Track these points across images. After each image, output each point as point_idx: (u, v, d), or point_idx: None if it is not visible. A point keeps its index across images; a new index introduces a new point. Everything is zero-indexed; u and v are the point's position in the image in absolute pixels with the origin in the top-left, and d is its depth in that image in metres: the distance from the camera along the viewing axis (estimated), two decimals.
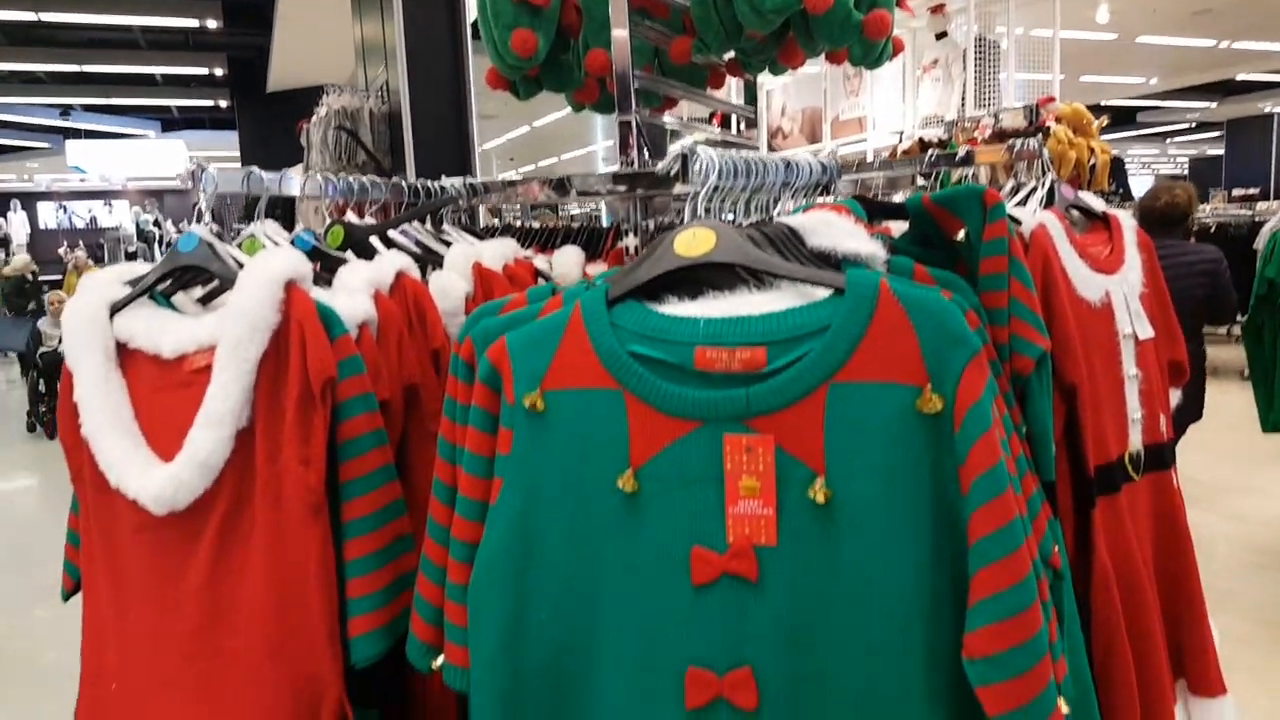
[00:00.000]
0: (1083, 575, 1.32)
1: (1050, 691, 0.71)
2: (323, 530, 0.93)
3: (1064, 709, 0.74)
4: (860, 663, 0.73)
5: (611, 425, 0.78)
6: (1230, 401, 4.90)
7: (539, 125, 11.90)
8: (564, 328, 0.80)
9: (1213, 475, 4.23)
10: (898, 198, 1.43)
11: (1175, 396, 1.60)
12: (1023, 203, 1.35)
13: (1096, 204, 1.53)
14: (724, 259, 0.79)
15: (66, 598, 1.13)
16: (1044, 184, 1.47)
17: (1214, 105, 14.61)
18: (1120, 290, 1.42)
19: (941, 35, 5.00)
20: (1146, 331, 1.45)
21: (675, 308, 0.80)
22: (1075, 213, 1.48)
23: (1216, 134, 15.13)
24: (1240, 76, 12.63)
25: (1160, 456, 1.47)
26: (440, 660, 0.87)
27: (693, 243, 0.80)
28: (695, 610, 0.77)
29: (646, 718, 0.78)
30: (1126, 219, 1.52)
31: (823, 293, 0.77)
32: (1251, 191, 12.21)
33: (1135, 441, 1.41)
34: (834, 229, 0.83)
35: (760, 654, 0.75)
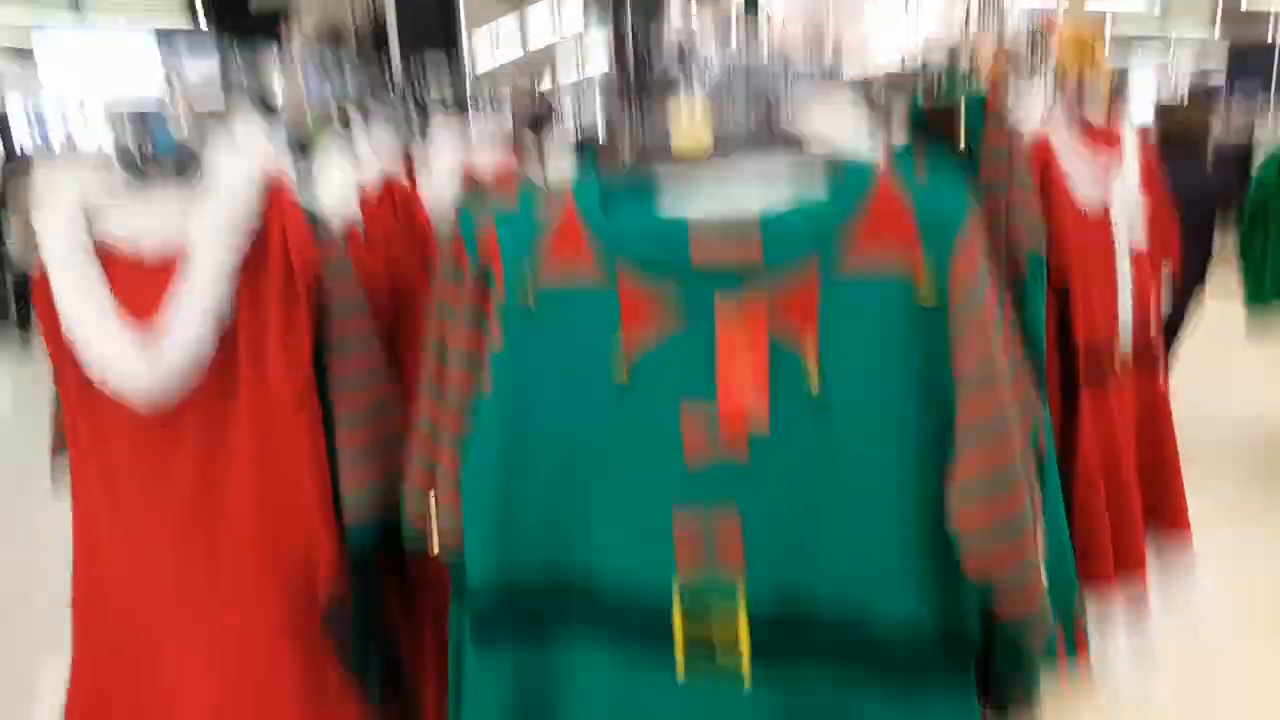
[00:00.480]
0: (1067, 468, 1.35)
1: (1032, 564, 0.74)
2: (310, 419, 0.93)
3: (1042, 580, 0.76)
4: (846, 542, 0.75)
5: (604, 321, 0.77)
6: (1212, 309, 4.89)
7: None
8: (557, 223, 0.79)
9: (1195, 385, 4.29)
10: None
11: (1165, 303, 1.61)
12: (1025, 113, 1.32)
13: (1097, 117, 1.50)
14: (721, 153, 0.77)
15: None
16: (1047, 96, 1.45)
17: (1215, 36, 14.38)
18: (1119, 198, 1.41)
19: None
20: (1142, 240, 1.45)
21: (670, 200, 0.78)
22: (1075, 125, 1.45)
23: (1214, 66, 14.90)
24: (1244, 6, 12.37)
25: (1149, 356, 1.49)
26: (435, 546, 0.88)
27: (690, 135, 0.77)
28: (689, 496, 0.77)
29: (638, 552, 0.80)
30: (1128, 130, 1.50)
31: (821, 184, 0.76)
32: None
33: (1125, 341, 1.42)
34: (836, 123, 0.81)
35: (752, 533, 0.77)
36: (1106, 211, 1.41)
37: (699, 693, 0.79)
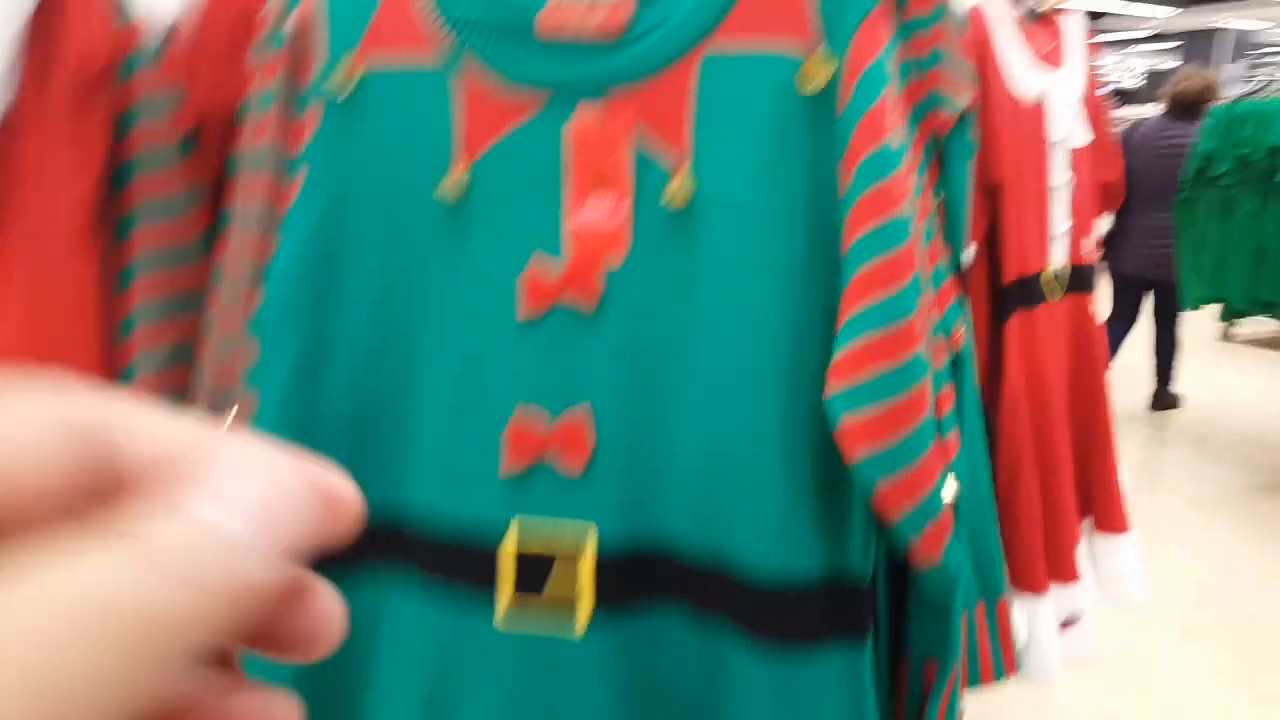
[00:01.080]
0: (992, 394, 1.25)
1: (925, 431, 0.59)
2: (93, 266, 0.77)
3: (953, 483, 0.63)
4: (708, 409, 0.61)
5: (434, 114, 0.64)
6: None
7: None
8: None
9: (1127, 367, 4.31)
10: None
11: (1105, 223, 1.51)
12: None
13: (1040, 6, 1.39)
14: None
15: None
16: None
17: (1175, 13, 14.52)
18: (1058, 92, 1.31)
19: None
20: (1082, 138, 1.34)
21: None
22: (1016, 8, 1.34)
23: (1175, 44, 15.07)
24: None
25: (1083, 278, 1.38)
26: (233, 411, 0.74)
27: None
28: (521, 349, 0.63)
29: (461, 483, 0.65)
30: (1074, 20, 1.39)
31: None
32: None
33: (1059, 257, 1.32)
34: None
35: (598, 398, 0.63)
36: (1042, 108, 1.31)
37: (523, 645, 0.64)
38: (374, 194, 0.65)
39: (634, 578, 0.63)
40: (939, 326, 0.69)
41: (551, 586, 0.62)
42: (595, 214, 0.63)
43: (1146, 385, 3.73)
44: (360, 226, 0.66)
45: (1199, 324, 4.48)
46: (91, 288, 0.77)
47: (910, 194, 0.60)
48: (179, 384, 0.80)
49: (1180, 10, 14.28)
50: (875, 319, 0.56)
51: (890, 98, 0.59)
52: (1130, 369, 4.24)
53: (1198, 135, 3.19)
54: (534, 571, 0.63)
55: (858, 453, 0.56)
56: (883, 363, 0.56)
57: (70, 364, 0.78)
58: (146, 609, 0.13)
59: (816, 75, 0.58)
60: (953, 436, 0.66)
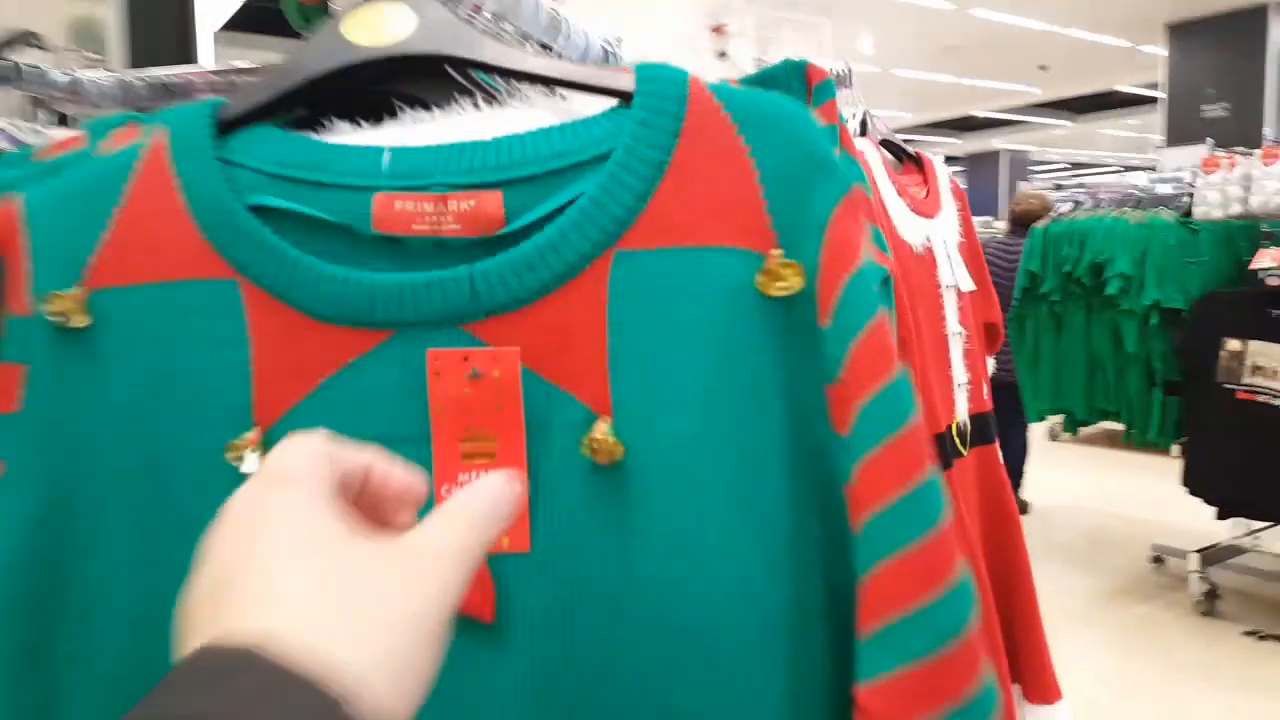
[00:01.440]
0: None
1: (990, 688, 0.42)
2: None
3: None
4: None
5: (220, 346, 0.43)
6: None
7: None
8: (131, 173, 0.44)
9: None
10: None
11: (990, 365, 1.45)
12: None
13: (906, 147, 1.34)
14: (430, 48, 0.46)
15: None
16: (856, 115, 1.26)
17: (958, 141, 16.16)
18: (940, 237, 1.23)
19: (722, 55, 5.15)
20: (968, 284, 1.27)
21: (342, 135, 0.46)
22: (887, 152, 1.27)
23: (961, 168, 16.66)
24: (977, 113, 13.90)
25: (985, 428, 1.29)
26: None
27: (374, 23, 0.46)
28: None
29: None
30: (939, 163, 1.34)
31: (599, 104, 0.46)
32: (988, 219, 13.64)
33: (962, 410, 1.22)
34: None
35: None
36: (929, 248, 1.22)
37: None
38: (125, 462, 0.43)
39: None
40: None
41: None
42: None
43: None
44: (106, 515, 0.44)
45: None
46: None
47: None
48: None
49: (962, 137, 15.97)
50: (929, 632, 0.39)
51: (885, 312, 0.43)
52: None
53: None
54: None
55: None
56: (949, 697, 0.39)
57: None
58: (469, 548, 0.29)
59: (786, 274, 0.42)
60: None
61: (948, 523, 0.42)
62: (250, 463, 0.42)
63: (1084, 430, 5.12)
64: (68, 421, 0.43)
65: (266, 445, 0.42)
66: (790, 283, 0.43)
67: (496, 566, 0.43)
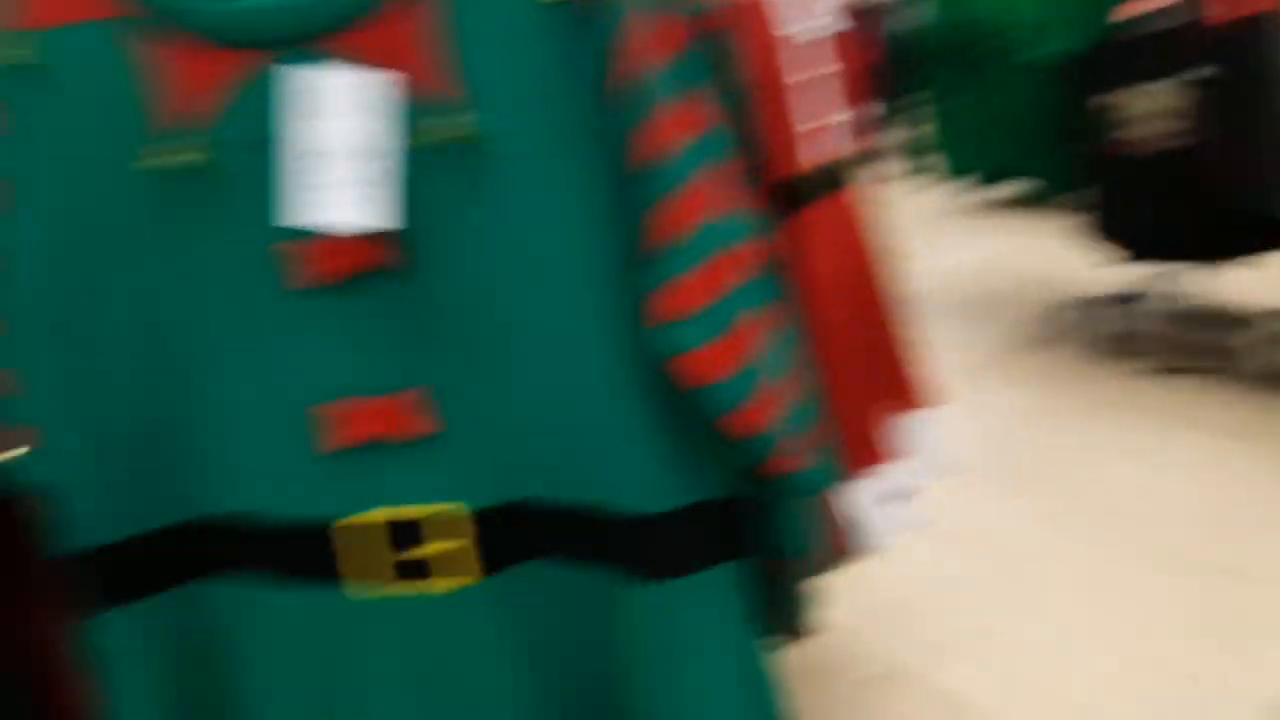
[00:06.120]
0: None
1: (766, 357, 0.57)
2: None
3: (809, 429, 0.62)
4: (537, 357, 0.56)
5: (119, 75, 0.53)
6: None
7: None
8: None
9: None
10: None
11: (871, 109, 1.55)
12: None
13: None
14: None
15: None
16: None
17: None
18: None
19: None
20: (840, 23, 1.35)
21: None
22: None
23: None
24: None
25: (851, 170, 1.41)
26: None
27: None
28: (315, 325, 0.56)
29: (276, 474, 0.58)
30: None
31: None
32: None
33: (828, 151, 1.33)
34: None
35: (416, 364, 0.57)
36: None
37: (403, 609, 0.61)
38: (82, 176, 0.55)
39: (504, 536, 0.59)
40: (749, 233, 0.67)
41: (424, 551, 0.59)
42: None
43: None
44: (77, 218, 0.55)
45: (919, 195, 4.81)
46: None
47: (694, 114, 0.56)
48: None
49: None
50: (702, 246, 0.52)
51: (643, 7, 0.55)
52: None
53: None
54: (405, 538, 0.59)
55: (698, 383, 0.53)
56: (722, 289, 0.53)
57: None
58: None
59: None
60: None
61: (710, 166, 0.54)
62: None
63: (966, 201, 5.27)
64: (43, 140, 0.54)
65: (189, 146, 0.53)
66: None
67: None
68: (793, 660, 1.68)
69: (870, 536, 1.29)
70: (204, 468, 0.59)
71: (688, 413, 0.58)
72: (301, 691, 0.62)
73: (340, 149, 0.51)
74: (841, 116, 1.34)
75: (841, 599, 1.85)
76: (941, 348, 3.18)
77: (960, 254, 4.33)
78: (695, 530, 0.59)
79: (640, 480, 0.57)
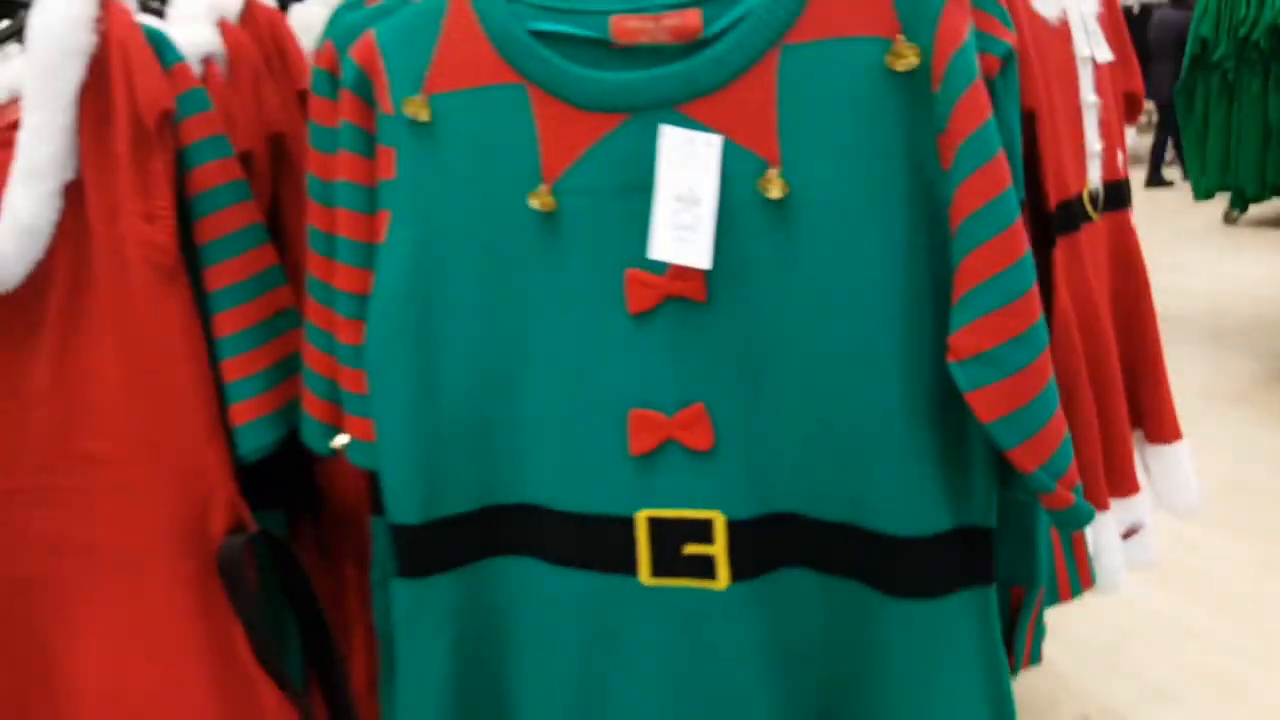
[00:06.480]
0: (1045, 321, 1.24)
1: (1052, 389, 0.61)
2: (182, 300, 0.78)
3: (1063, 417, 0.64)
4: (826, 384, 0.62)
5: (516, 130, 0.64)
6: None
7: None
8: (444, 11, 0.64)
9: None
10: None
11: (1130, 135, 1.51)
12: None
13: None
14: None
15: None
16: None
17: None
18: (1077, 8, 1.29)
19: None
20: (1105, 55, 1.33)
21: None
22: None
23: None
24: None
25: (1119, 194, 1.38)
26: (342, 439, 0.75)
27: None
28: (635, 343, 0.65)
29: (587, 470, 0.67)
30: None
31: None
32: None
33: (1095, 177, 1.31)
34: None
35: (712, 387, 0.65)
36: (1065, 24, 1.29)
37: (671, 604, 0.68)
38: (463, 212, 0.66)
39: (767, 543, 0.65)
40: None
41: (689, 550, 0.66)
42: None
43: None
44: (453, 245, 0.67)
45: (1201, 210, 4.46)
46: (187, 322, 0.78)
47: (1002, 169, 0.60)
48: (281, 402, 0.81)
49: None
50: (998, 293, 0.57)
51: (981, 78, 0.59)
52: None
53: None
54: (670, 541, 0.66)
55: (992, 417, 0.58)
56: (1010, 334, 0.57)
57: (167, 392, 0.79)
58: None
59: (908, 54, 0.58)
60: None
61: (1017, 222, 0.59)
62: (539, 201, 0.63)
63: (1261, 214, 4.85)
64: (423, 184, 0.66)
65: (554, 194, 0.63)
66: (910, 60, 0.59)
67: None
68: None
69: (1108, 572, 1.27)
70: (521, 461, 0.69)
71: (963, 438, 0.63)
72: (565, 670, 0.70)
73: (680, 196, 0.60)
74: (1113, 141, 1.33)
75: (1056, 635, 1.81)
76: (1193, 375, 2.98)
77: (1234, 271, 4.02)
78: (955, 553, 0.63)
79: (907, 504, 0.62)
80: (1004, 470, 0.64)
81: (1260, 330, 3.39)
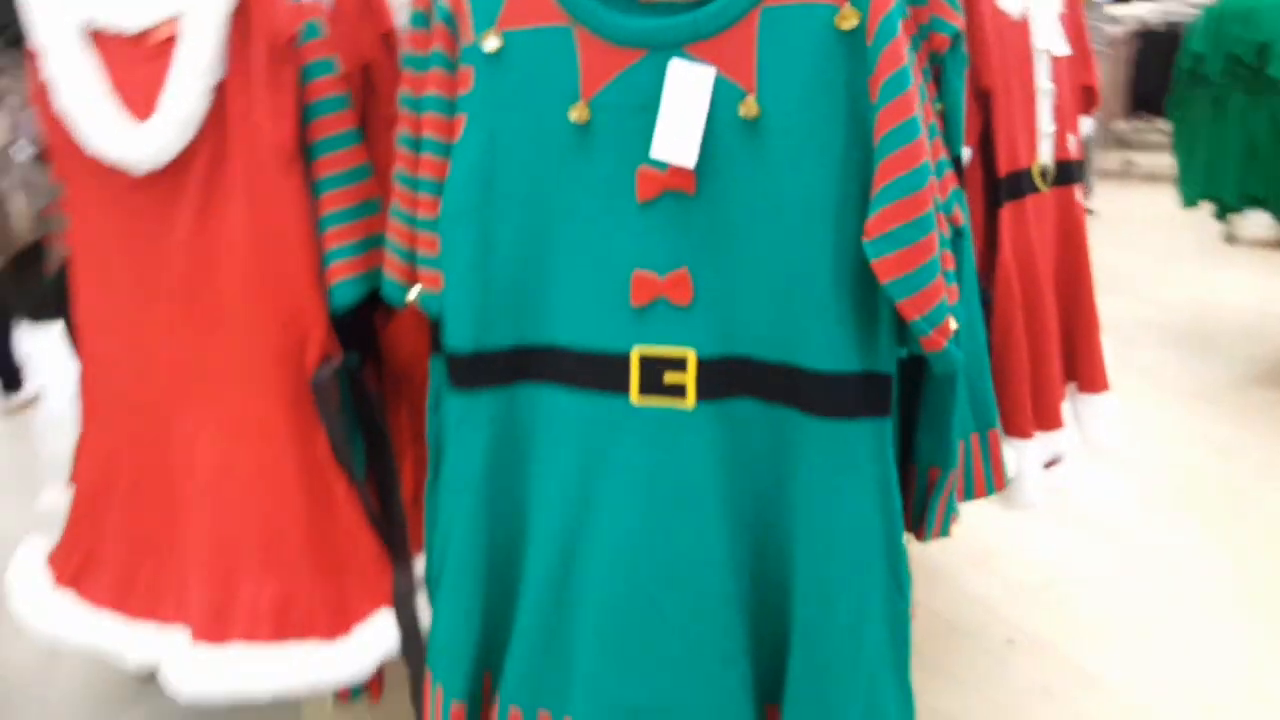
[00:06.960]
0: (987, 271, 1.48)
1: (935, 262, 0.83)
2: (297, 181, 1.01)
3: (953, 321, 0.87)
4: (779, 258, 0.85)
5: (563, 60, 0.87)
6: (1160, 200, 5.06)
7: None
8: None
9: (1132, 267, 4.47)
10: None
11: (1086, 124, 1.72)
12: None
13: None
14: None
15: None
16: None
17: None
18: (1040, 6, 1.50)
19: None
20: (1062, 49, 1.55)
21: None
22: None
23: None
24: None
25: (1068, 172, 1.60)
26: (415, 291, 0.98)
27: None
28: (640, 223, 0.88)
29: (598, 316, 0.90)
30: None
31: None
32: None
33: (1045, 155, 1.53)
34: None
35: (696, 257, 0.87)
36: (1027, 22, 1.50)
37: (651, 418, 0.90)
38: (520, 121, 0.89)
39: (725, 376, 0.88)
40: (942, 206, 0.93)
41: (668, 379, 0.89)
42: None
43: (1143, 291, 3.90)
44: (511, 145, 0.90)
45: (1204, 226, 4.63)
46: (300, 199, 1.02)
47: (919, 102, 0.83)
48: (366, 268, 1.05)
49: None
50: (899, 189, 0.80)
51: (902, 35, 0.82)
52: (1128, 275, 4.43)
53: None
54: (655, 371, 0.89)
55: (888, 278, 0.81)
56: (905, 219, 0.80)
57: (281, 259, 1.03)
58: None
59: (851, 16, 0.81)
60: (954, 286, 0.90)
61: (919, 138, 0.81)
62: (577, 114, 0.87)
63: (1263, 235, 5.01)
64: (491, 97, 0.89)
65: (589, 108, 0.87)
66: (853, 21, 0.81)
67: (697, 168, 0.85)
68: (939, 621, 1.90)
69: (1025, 491, 1.49)
70: (549, 310, 0.91)
71: (873, 305, 0.85)
72: (568, 464, 0.92)
73: (679, 112, 0.83)
74: (1065, 125, 1.54)
75: (991, 572, 2.03)
76: (1169, 375, 3.18)
77: (1219, 285, 4.21)
78: (862, 389, 0.86)
79: (831, 349, 0.84)
80: (901, 331, 0.87)
81: (1245, 340, 3.55)
